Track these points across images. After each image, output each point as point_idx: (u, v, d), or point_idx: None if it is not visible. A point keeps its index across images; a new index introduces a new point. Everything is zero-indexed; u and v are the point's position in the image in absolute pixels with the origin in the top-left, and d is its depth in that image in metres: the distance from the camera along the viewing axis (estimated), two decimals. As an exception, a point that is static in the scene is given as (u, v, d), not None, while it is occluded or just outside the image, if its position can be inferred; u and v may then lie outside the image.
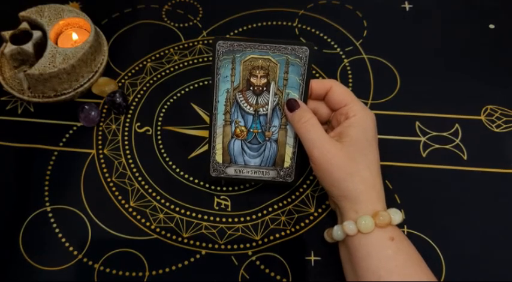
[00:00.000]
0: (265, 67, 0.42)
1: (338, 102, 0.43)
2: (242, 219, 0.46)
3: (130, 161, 0.50)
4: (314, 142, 0.40)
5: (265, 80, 0.42)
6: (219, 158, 0.44)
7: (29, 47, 0.51)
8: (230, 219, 0.46)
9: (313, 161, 0.40)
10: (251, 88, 0.42)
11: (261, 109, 0.43)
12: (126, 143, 0.51)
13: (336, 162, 0.39)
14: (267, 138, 0.44)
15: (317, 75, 0.55)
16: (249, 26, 0.59)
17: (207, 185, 0.48)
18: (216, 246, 0.45)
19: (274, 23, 0.60)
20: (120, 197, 0.48)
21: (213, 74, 0.42)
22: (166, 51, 0.57)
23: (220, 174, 0.45)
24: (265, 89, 0.42)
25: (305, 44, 0.41)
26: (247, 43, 0.41)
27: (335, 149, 0.39)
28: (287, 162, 0.45)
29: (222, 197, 0.48)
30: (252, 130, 0.44)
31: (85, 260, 0.44)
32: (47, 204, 0.47)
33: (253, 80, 0.42)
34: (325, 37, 0.59)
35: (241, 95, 0.43)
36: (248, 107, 0.43)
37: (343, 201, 0.39)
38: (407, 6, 0.61)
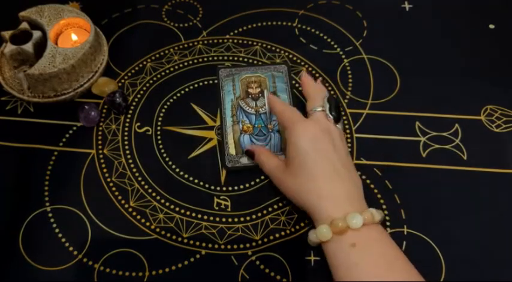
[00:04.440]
0: (258, 81, 0.54)
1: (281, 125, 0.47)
2: (242, 219, 0.46)
3: (130, 161, 0.50)
4: (269, 174, 0.46)
5: (259, 89, 0.53)
6: (232, 151, 0.50)
7: (29, 47, 0.51)
8: (230, 219, 0.46)
9: (277, 188, 0.45)
10: (249, 96, 0.53)
11: (260, 109, 0.52)
12: (126, 143, 0.51)
13: (286, 185, 0.43)
14: (270, 130, 0.51)
15: (317, 75, 0.55)
16: (249, 26, 0.59)
17: (207, 185, 0.48)
18: (216, 246, 0.45)
19: (274, 23, 0.60)
20: (120, 197, 0.48)
21: (219, 90, 0.53)
22: (166, 51, 0.57)
23: (235, 164, 0.49)
24: (260, 95, 0.53)
25: (282, 63, 0.56)
26: (241, 68, 0.55)
27: (282, 174, 0.43)
28: None
29: (221, 197, 0.48)
30: (256, 125, 0.51)
31: (85, 260, 0.44)
32: (47, 204, 0.47)
33: (250, 90, 0.53)
34: (325, 37, 0.59)
35: (243, 102, 0.52)
36: (250, 109, 0.52)
37: (309, 214, 0.42)
38: (407, 6, 0.61)
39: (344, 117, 0.52)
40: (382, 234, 0.39)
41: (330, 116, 0.44)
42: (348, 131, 0.52)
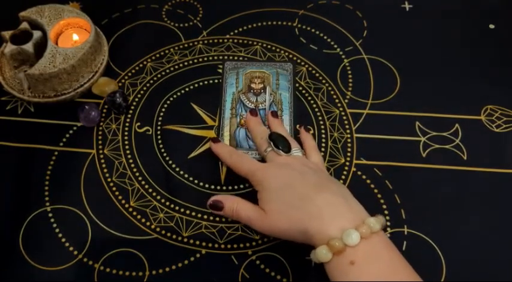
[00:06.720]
0: (262, 77, 0.55)
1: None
2: (242, 219, 0.46)
3: (131, 160, 0.50)
4: (248, 222, 0.43)
5: (262, 85, 0.54)
6: (226, 143, 0.50)
7: (29, 47, 0.51)
8: (230, 219, 0.46)
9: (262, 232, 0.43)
10: (251, 91, 0.54)
11: (260, 105, 0.53)
12: (126, 142, 0.51)
13: (273, 225, 0.41)
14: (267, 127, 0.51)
15: (317, 75, 0.55)
16: (249, 26, 0.59)
17: (207, 185, 0.48)
18: (216, 245, 0.45)
19: (274, 23, 0.60)
20: (120, 197, 0.48)
21: (222, 82, 0.54)
22: (167, 51, 0.57)
23: None
24: (262, 91, 0.53)
25: (288, 61, 0.56)
26: (247, 62, 0.56)
27: (265, 217, 0.41)
28: None
29: (222, 196, 0.48)
30: None
31: (85, 260, 0.44)
32: (47, 204, 0.47)
33: (252, 85, 0.54)
34: (325, 37, 0.59)
35: (244, 96, 0.53)
36: (250, 104, 0.53)
37: (306, 242, 0.40)
38: (407, 6, 0.61)
39: (344, 117, 0.52)
40: (382, 244, 0.38)
41: (279, 151, 0.45)
42: (348, 131, 0.52)
